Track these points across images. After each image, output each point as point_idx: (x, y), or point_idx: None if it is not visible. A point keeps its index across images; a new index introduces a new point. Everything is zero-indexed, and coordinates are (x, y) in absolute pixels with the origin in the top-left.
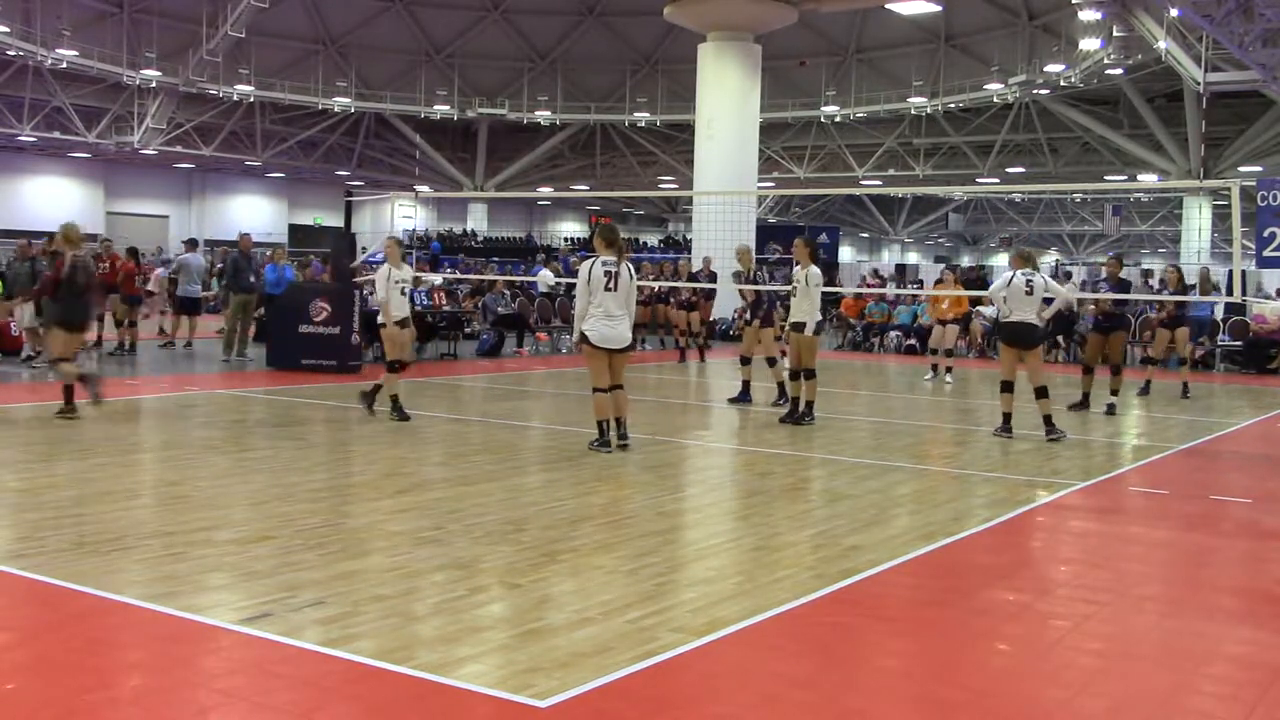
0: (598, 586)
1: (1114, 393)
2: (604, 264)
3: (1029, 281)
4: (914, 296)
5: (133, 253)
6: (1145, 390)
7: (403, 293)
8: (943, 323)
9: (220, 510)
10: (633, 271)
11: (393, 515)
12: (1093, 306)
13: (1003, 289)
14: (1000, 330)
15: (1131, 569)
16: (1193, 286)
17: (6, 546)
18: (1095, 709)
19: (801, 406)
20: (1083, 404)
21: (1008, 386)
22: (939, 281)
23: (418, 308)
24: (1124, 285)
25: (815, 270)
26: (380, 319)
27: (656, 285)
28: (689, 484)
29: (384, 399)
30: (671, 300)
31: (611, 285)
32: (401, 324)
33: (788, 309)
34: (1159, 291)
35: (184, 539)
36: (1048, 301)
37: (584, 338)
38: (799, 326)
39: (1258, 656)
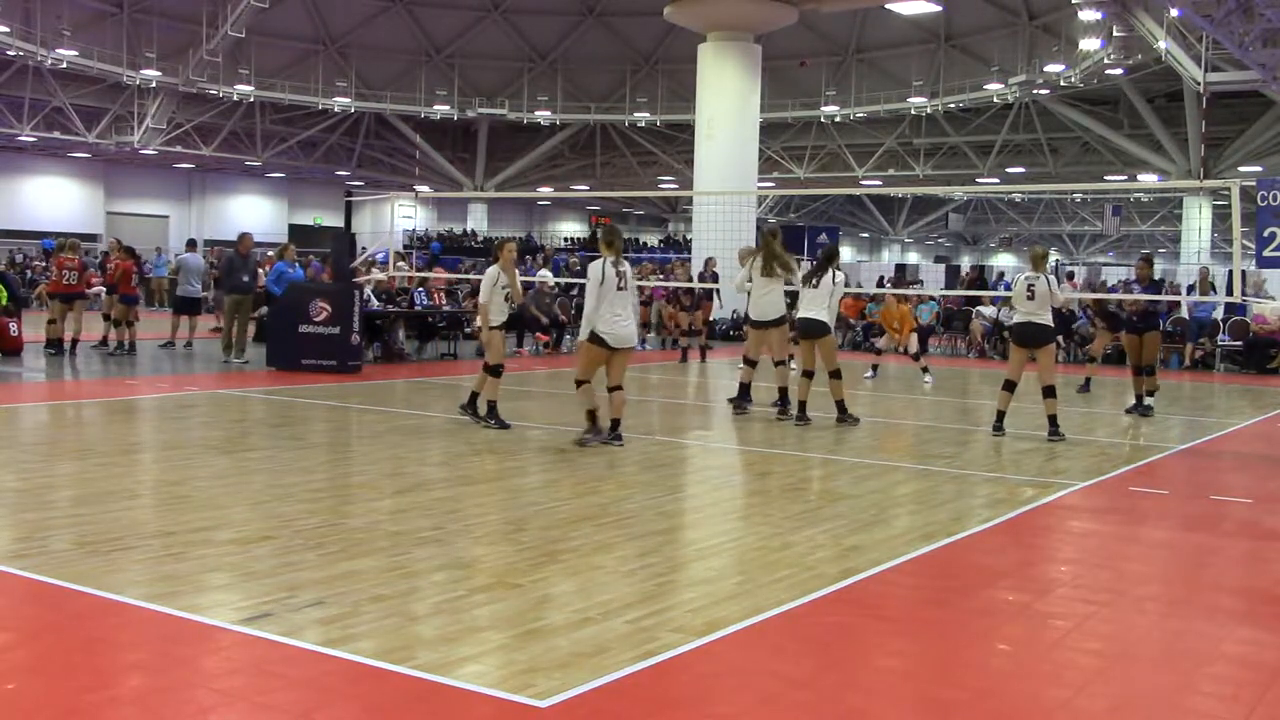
0: (598, 586)
1: (1149, 394)
2: (613, 264)
3: (1030, 286)
4: (918, 298)
5: (130, 252)
6: (1085, 388)
7: (506, 298)
8: (898, 330)
9: (220, 510)
10: (630, 273)
11: (393, 515)
12: (1120, 307)
13: (1011, 291)
14: (1011, 331)
15: (1131, 569)
16: (1193, 287)
17: (6, 546)
18: (1095, 709)
19: (794, 405)
20: (1137, 405)
21: (1009, 385)
22: (884, 304)
23: (418, 308)
24: (1157, 286)
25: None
26: (478, 322)
27: (653, 285)
28: (689, 484)
29: (454, 402)
30: (706, 301)
31: (622, 285)
32: (503, 327)
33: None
34: (1129, 288)
35: (184, 539)
36: None
37: (593, 336)
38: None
39: (1258, 656)
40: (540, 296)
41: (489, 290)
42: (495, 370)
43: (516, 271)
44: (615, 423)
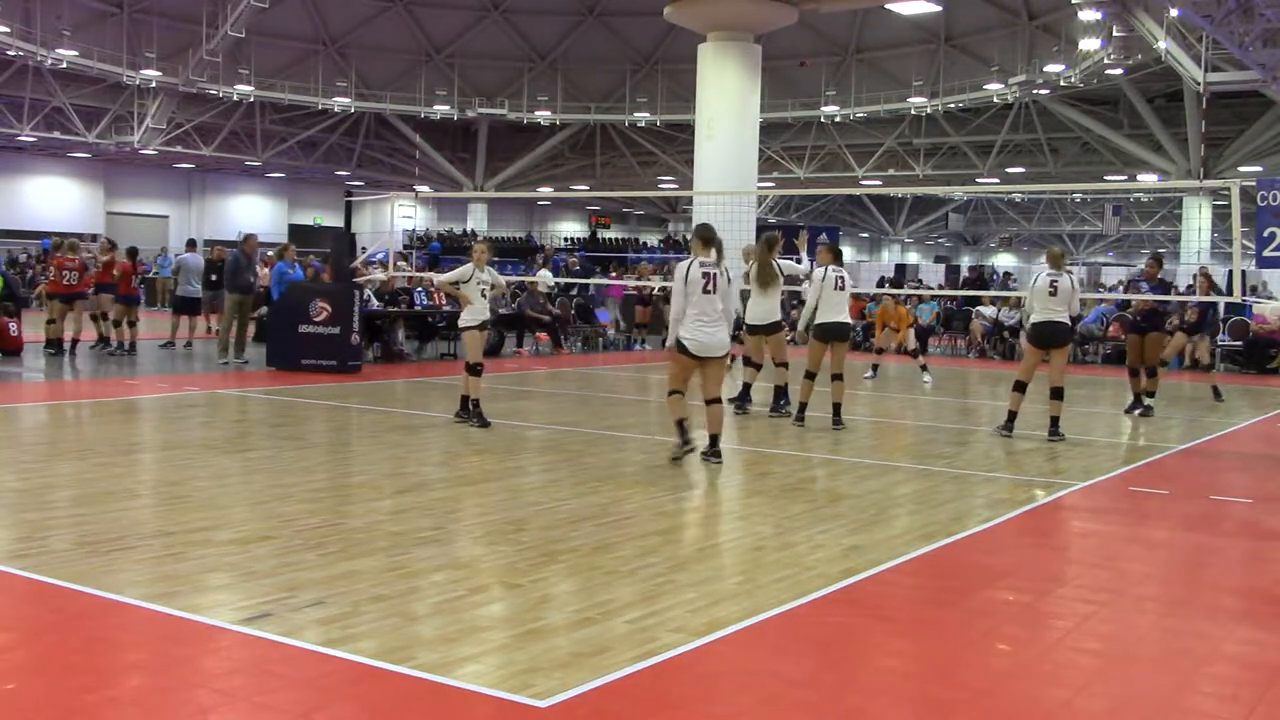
0: (598, 586)
1: (1149, 394)
2: (701, 265)
3: (1053, 282)
4: (918, 298)
5: (131, 253)
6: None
7: (483, 295)
8: (896, 329)
9: (220, 510)
10: (730, 274)
11: (393, 515)
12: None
13: (1030, 289)
14: (1030, 331)
15: (1131, 569)
16: (1191, 287)
17: (6, 546)
18: (1095, 709)
19: (793, 404)
20: (1135, 405)
21: (1020, 386)
22: (881, 304)
23: (418, 307)
24: (1164, 286)
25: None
26: (461, 321)
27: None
28: (689, 484)
29: (455, 402)
30: None
31: (710, 288)
32: (480, 327)
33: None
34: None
35: (184, 539)
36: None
37: (679, 344)
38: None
39: (1258, 656)
40: (534, 297)
41: (457, 275)
42: (474, 369)
43: (491, 270)
44: (714, 439)
